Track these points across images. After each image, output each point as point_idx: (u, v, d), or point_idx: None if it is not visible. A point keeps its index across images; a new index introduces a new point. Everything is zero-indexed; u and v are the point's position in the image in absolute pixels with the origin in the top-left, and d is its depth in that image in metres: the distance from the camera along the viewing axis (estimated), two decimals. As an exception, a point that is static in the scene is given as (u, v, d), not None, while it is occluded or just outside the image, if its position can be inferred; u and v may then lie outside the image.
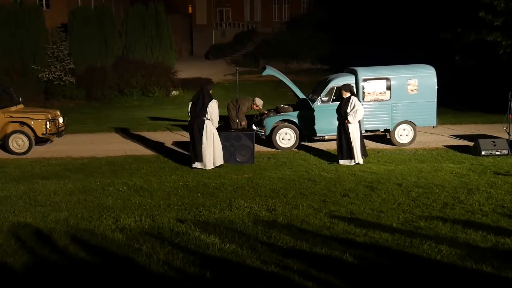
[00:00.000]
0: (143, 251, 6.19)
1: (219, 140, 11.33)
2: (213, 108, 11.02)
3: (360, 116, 11.39)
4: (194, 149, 11.18)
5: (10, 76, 24.17)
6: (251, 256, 6.01)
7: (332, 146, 13.66)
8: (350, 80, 13.61)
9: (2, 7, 25.18)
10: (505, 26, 19.65)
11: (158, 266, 5.77)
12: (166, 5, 30.92)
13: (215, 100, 11.17)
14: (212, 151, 11.16)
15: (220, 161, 11.34)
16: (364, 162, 11.55)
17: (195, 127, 11.08)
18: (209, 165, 11.17)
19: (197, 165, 11.20)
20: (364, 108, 13.42)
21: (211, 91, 11.39)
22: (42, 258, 6.13)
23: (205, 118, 11.02)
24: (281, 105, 14.73)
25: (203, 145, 11.05)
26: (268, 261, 5.85)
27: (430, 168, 11.00)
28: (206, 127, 11.03)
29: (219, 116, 11.45)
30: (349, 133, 11.37)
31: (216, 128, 11.32)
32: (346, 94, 11.53)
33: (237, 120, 13.74)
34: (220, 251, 6.20)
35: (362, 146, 11.55)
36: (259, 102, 14.11)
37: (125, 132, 16.74)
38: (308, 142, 13.91)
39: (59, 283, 5.44)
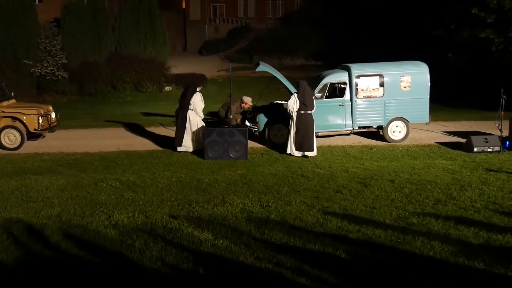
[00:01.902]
0: (136, 247, 6.18)
1: (203, 129, 12.48)
2: (196, 100, 12.49)
3: (288, 110, 12.18)
4: (177, 134, 12.57)
5: (3, 71, 24.00)
6: (244, 253, 6.01)
7: (325, 143, 13.69)
8: (343, 76, 13.65)
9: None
10: (497, 23, 19.74)
11: (151, 262, 5.76)
12: (159, 0, 30.74)
13: (199, 93, 12.67)
14: (193, 137, 12.56)
15: (199, 146, 12.47)
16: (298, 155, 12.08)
17: (180, 116, 12.52)
18: (189, 149, 12.54)
19: (180, 149, 12.53)
20: (357, 104, 13.52)
21: (198, 89, 12.83)
22: (34, 254, 6.10)
23: (189, 109, 12.44)
24: (275, 102, 14.72)
25: (185, 132, 12.46)
26: (261, 257, 5.85)
27: (422, 165, 11.05)
28: (189, 117, 12.46)
29: (213, 112, 11.82)
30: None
31: (209, 123, 12.14)
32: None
33: (231, 116, 13.78)
34: (213, 247, 6.20)
35: (297, 141, 12.05)
36: (247, 99, 14.22)
37: (118, 128, 16.68)
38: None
39: (51, 279, 5.42)
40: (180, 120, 12.48)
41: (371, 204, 8.12)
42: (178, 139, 12.52)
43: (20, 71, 24.94)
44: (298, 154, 12.09)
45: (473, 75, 22.84)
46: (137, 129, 16.34)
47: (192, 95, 12.49)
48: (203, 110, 12.91)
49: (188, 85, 13.10)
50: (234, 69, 21.02)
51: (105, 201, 8.31)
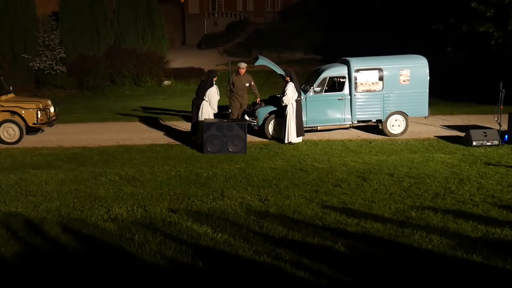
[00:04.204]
0: (135, 241, 6.19)
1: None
2: (212, 93, 12.48)
3: (285, 100, 12.53)
4: (193, 123, 12.82)
5: (1, 65, 23.90)
6: (243, 246, 6.02)
7: (324, 137, 13.69)
8: (343, 70, 13.63)
9: (-9, -5, 24.87)
10: (496, 17, 19.68)
11: (150, 256, 5.77)
12: (158, -6, 30.64)
13: (216, 87, 12.65)
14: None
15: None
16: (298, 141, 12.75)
17: (195, 106, 12.72)
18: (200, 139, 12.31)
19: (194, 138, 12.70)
20: (356, 98, 13.52)
21: (214, 79, 12.83)
22: (34, 248, 6.11)
23: (204, 100, 12.49)
24: (277, 96, 14.67)
25: (198, 121, 12.49)
26: (260, 251, 5.87)
27: (421, 159, 11.06)
28: (203, 107, 12.51)
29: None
30: (285, 114, 12.64)
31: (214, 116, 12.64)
32: (287, 79, 12.76)
33: (242, 93, 13.74)
34: (212, 241, 6.21)
35: (298, 127, 12.67)
36: (243, 65, 13.85)
37: (117, 122, 16.66)
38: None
39: (51, 273, 5.43)
40: (195, 110, 12.69)
41: (370, 198, 8.13)
42: (193, 128, 12.84)
43: (18, 65, 24.80)
44: (299, 140, 12.74)
45: (472, 69, 22.78)
46: (135, 123, 16.32)
47: (209, 87, 12.53)
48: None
49: (207, 75, 13.20)
50: (233, 63, 20.98)
51: (104, 195, 8.32)
